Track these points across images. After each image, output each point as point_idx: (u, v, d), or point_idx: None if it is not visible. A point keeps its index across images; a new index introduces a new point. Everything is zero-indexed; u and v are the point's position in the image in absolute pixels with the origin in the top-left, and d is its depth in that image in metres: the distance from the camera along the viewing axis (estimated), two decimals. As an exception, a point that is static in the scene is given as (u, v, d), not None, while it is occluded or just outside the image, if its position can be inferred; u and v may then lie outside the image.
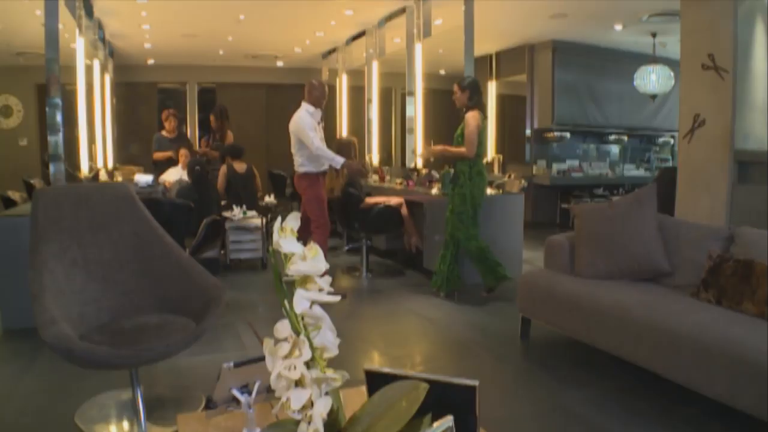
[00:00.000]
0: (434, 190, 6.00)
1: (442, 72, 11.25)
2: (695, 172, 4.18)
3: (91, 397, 3.04)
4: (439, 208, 5.51)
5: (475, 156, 4.92)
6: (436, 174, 6.42)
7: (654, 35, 8.22)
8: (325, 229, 5.25)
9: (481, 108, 4.98)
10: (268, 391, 1.54)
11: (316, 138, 5.14)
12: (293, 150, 5.26)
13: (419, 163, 7.35)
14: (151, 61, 11.07)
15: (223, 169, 6.75)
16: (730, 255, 3.22)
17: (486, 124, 5.02)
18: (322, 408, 1.12)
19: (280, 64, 11.48)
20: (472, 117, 4.87)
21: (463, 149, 4.88)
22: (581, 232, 3.88)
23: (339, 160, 5.21)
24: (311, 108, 5.22)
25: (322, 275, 1.15)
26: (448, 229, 5.07)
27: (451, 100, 5.04)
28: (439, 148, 5.23)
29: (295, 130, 5.18)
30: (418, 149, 7.31)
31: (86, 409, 2.92)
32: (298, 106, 5.19)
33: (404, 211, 6.01)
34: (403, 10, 7.49)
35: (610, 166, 10.05)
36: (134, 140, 10.68)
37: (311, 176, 5.24)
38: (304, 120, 5.14)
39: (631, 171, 10.14)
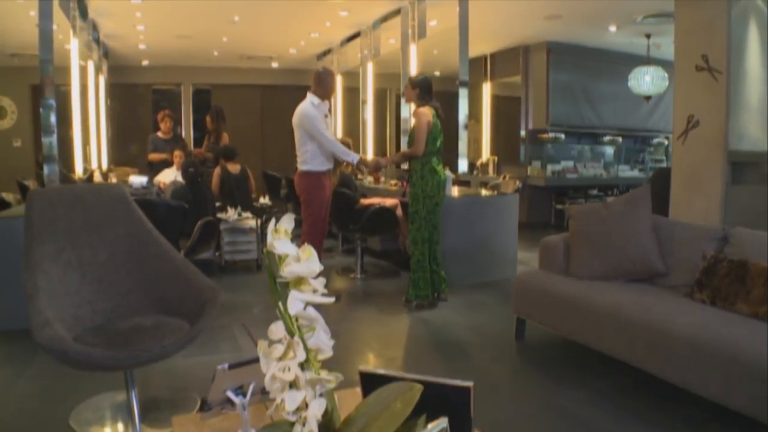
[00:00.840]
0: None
1: (437, 73, 11.25)
2: (689, 172, 4.20)
3: (85, 399, 3.03)
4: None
5: (427, 154, 4.69)
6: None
7: (648, 36, 8.25)
8: (320, 235, 5.00)
9: (433, 106, 4.76)
10: (262, 392, 1.54)
11: (326, 131, 4.86)
12: (297, 146, 4.95)
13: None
14: (145, 62, 11.06)
15: (217, 170, 6.74)
16: (725, 255, 3.23)
17: (437, 122, 4.74)
18: (316, 409, 1.12)
19: (275, 65, 11.49)
20: (422, 114, 4.68)
21: (410, 149, 4.74)
22: (576, 233, 3.88)
23: (354, 156, 4.99)
24: (316, 99, 4.86)
25: (317, 277, 1.15)
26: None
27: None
28: (397, 155, 4.96)
29: (299, 123, 4.86)
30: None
31: (81, 411, 2.91)
32: (295, 107, 4.98)
33: (399, 212, 6.01)
34: (398, 11, 7.50)
35: (605, 167, 10.08)
36: (129, 141, 10.67)
37: (313, 175, 4.91)
38: (309, 112, 4.80)
39: (626, 172, 10.18)
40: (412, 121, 4.82)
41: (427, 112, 4.69)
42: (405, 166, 5.23)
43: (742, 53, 4.00)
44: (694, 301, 3.22)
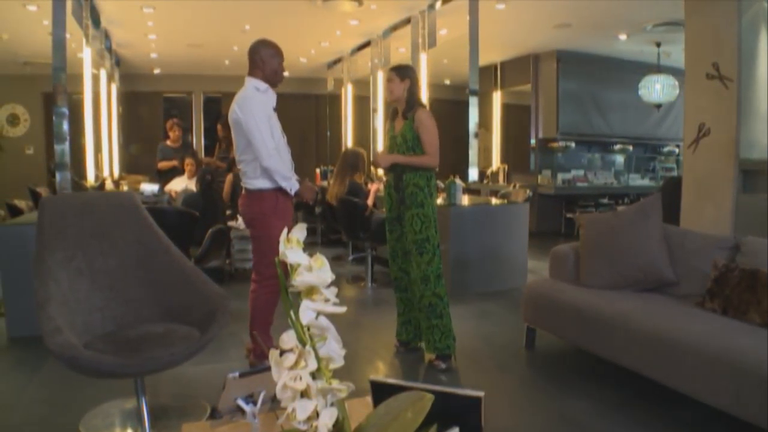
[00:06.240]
0: (439, 200, 6.00)
1: (447, 82, 11.30)
2: (700, 181, 4.18)
3: (95, 406, 3.04)
4: (442, 217, 5.50)
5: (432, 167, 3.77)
6: (440, 184, 6.39)
7: (658, 45, 8.25)
8: (274, 296, 3.46)
9: (423, 107, 3.78)
10: (273, 401, 1.54)
11: (268, 135, 3.34)
12: (237, 153, 3.50)
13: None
14: (157, 71, 11.16)
15: (230, 177, 6.77)
16: (736, 264, 3.21)
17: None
18: (327, 419, 1.12)
19: (285, 74, 11.49)
20: (427, 116, 3.71)
21: (425, 157, 3.69)
22: (586, 242, 3.87)
23: (294, 185, 3.45)
24: (262, 85, 3.44)
25: (329, 286, 1.15)
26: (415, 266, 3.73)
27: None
28: (407, 158, 3.71)
29: (239, 117, 3.34)
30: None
31: (90, 418, 2.91)
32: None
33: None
34: (408, 21, 7.53)
35: (615, 176, 10.06)
36: (140, 149, 10.75)
37: (262, 197, 3.43)
38: (254, 104, 3.33)
39: (636, 180, 10.16)
40: (393, 125, 3.87)
41: (430, 114, 3.76)
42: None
43: (752, 61, 3.98)
44: (704, 310, 3.19)
